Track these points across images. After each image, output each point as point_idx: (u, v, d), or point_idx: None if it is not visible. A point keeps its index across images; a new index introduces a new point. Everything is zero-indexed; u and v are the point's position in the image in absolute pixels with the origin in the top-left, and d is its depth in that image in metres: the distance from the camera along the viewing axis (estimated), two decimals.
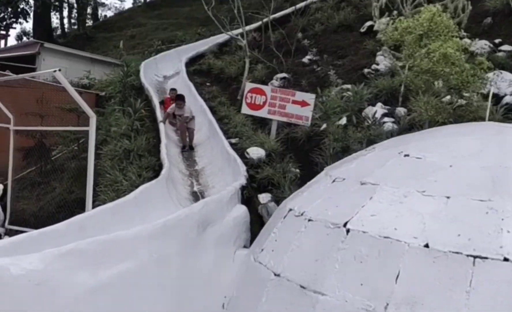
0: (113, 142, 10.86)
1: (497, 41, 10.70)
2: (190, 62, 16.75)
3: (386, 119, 8.92)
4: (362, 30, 14.39)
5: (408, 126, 8.37)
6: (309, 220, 3.47)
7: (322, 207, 3.48)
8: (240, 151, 9.58)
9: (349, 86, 10.98)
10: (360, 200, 3.46)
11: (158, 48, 19.81)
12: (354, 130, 8.87)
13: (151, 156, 10.12)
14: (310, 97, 9.45)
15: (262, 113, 9.82)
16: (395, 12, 9.36)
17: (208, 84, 15.02)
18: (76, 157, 12.47)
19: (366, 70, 11.45)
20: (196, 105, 12.95)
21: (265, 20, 15.84)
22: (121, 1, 39.47)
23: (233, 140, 10.25)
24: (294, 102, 9.48)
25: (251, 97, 9.79)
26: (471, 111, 6.83)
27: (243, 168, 8.07)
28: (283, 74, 13.03)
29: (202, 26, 24.36)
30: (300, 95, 9.48)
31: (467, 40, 7.59)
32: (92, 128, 7.11)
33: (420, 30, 6.59)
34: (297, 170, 8.23)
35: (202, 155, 10.66)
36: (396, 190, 3.58)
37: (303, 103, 9.41)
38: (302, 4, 16.46)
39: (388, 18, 13.81)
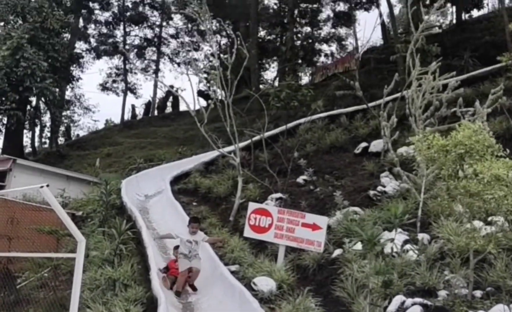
0: (93, 268, 9.53)
1: None
2: (174, 181, 15.86)
3: (408, 246, 8.01)
4: (356, 151, 13.97)
5: (439, 256, 7.44)
6: None
7: None
8: (243, 281, 8.42)
9: (356, 208, 10.20)
10: None
11: (140, 166, 18.95)
12: (375, 259, 7.90)
13: (138, 286, 8.81)
14: (322, 221, 8.54)
15: (268, 237, 8.80)
16: (428, 129, 8.82)
17: (195, 203, 14.04)
18: (46, 286, 10.96)
19: (371, 192, 10.74)
20: (184, 226, 11.86)
21: (254, 139, 15.35)
22: (95, 121, 38.89)
23: (232, 268, 9.09)
24: (304, 225, 8.54)
25: (255, 218, 8.82)
26: None
27: (256, 304, 6.86)
28: (279, 194, 12.21)
29: (182, 145, 23.90)
30: (310, 218, 8.57)
31: None
32: (80, 255, 5.91)
33: (461, 149, 5.93)
34: (318, 308, 7.07)
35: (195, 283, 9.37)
36: None
37: (315, 227, 8.47)
38: (292, 124, 16.13)
39: (382, 140, 13.52)
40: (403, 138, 13.50)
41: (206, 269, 9.38)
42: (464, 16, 26.14)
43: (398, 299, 6.37)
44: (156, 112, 38.56)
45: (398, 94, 15.12)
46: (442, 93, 9.26)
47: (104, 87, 36.51)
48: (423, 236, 8.24)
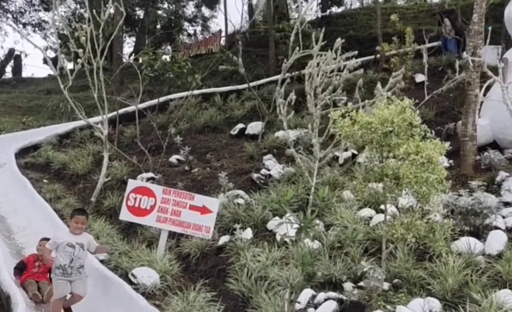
0: None
1: None
2: (20, 154, 13.54)
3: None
4: (233, 132, 13.23)
5: (339, 245, 6.94)
6: None
7: None
8: (116, 272, 7.10)
9: (239, 191, 9.41)
10: None
11: None
12: (269, 248, 7.20)
13: None
14: (213, 203, 7.57)
15: (149, 220, 7.55)
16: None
17: (45, 180, 12.06)
18: None
19: (254, 175, 10.05)
20: (34, 207, 10.02)
21: (122, 111, 13.77)
22: None
23: (100, 257, 7.66)
24: (193, 208, 7.48)
25: (135, 199, 7.51)
26: (434, 230, 5.73)
27: (143, 301, 5.66)
28: (150, 174, 10.91)
29: (26, 115, 20.98)
30: (200, 200, 7.54)
31: None
32: None
33: (389, 127, 5.40)
34: (215, 304, 6.09)
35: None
36: None
37: (204, 210, 7.47)
38: (162, 99, 14.81)
39: (259, 122, 12.94)
40: (280, 122, 13.14)
41: None
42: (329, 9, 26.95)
43: (307, 293, 5.70)
44: None
45: (278, 76, 14.75)
46: (341, 73, 8.87)
47: None
48: (318, 223, 7.72)
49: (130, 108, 15.60)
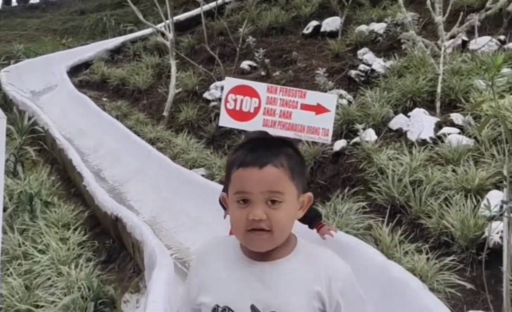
0: None
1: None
2: (71, 73, 12.38)
3: (447, 130, 6.10)
4: (306, 31, 11.65)
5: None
6: None
7: None
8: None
9: (341, 91, 8.07)
10: None
11: (20, 56, 14.80)
12: (396, 149, 5.93)
13: (65, 203, 5.99)
14: (329, 100, 6.18)
15: (254, 125, 6.22)
16: None
17: (105, 99, 10.91)
18: None
19: (353, 72, 8.62)
20: (103, 126, 8.93)
21: (177, 17, 12.30)
22: None
23: (199, 172, 6.57)
24: (305, 107, 6.09)
25: (235, 100, 6.16)
26: None
27: None
28: (223, 83, 9.60)
29: (65, 37, 19.69)
30: (314, 97, 6.13)
31: None
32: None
33: None
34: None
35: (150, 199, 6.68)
36: None
37: (319, 109, 6.09)
38: (211, 4, 13.27)
39: (337, 17, 11.30)
40: (356, 16, 11.52)
41: (160, 179, 6.74)
42: None
43: (495, 196, 4.44)
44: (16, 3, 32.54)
45: None
46: None
47: None
48: (457, 116, 6.35)
49: (181, 16, 14.23)
